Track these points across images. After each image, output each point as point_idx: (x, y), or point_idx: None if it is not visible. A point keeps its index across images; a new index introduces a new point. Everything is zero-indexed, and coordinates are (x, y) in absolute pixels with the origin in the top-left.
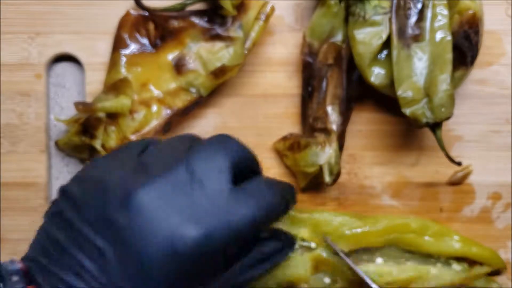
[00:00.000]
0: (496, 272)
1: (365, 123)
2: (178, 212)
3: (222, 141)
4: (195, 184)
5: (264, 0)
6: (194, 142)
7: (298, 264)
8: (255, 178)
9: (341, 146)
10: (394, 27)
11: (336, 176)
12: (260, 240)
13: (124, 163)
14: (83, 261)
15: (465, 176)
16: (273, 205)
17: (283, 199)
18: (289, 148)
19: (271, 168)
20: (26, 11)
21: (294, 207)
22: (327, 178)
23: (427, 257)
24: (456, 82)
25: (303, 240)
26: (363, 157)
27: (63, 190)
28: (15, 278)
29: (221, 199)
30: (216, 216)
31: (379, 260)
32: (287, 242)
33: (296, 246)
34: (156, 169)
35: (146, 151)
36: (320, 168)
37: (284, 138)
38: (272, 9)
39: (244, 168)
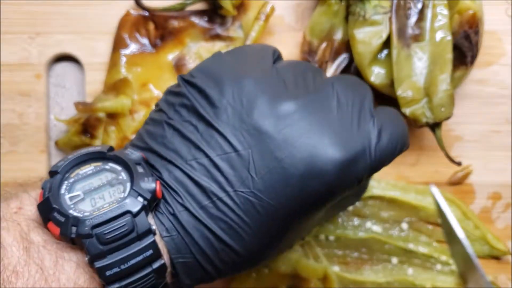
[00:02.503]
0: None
1: None
2: (327, 131)
3: (358, 80)
4: (342, 108)
5: (264, 0)
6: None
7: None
8: (385, 109)
9: None
10: (394, 27)
11: None
12: None
13: (262, 66)
14: (216, 160)
15: (465, 176)
16: (406, 135)
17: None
18: None
19: None
20: (26, 11)
21: None
22: None
23: (428, 257)
24: (456, 82)
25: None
26: None
27: (194, 84)
28: (140, 170)
29: (364, 129)
30: (359, 145)
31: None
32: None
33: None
34: (298, 86)
35: (280, 64)
36: None
37: None
38: (272, 9)
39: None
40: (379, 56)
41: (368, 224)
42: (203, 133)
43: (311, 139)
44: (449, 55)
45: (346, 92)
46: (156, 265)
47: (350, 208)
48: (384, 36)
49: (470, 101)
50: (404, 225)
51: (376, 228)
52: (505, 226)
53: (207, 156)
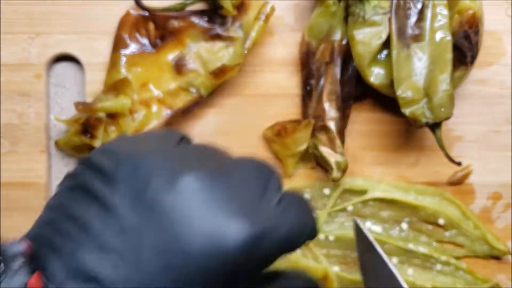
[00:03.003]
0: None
1: (365, 123)
2: (229, 208)
3: (263, 162)
4: (247, 186)
5: (264, 0)
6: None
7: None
8: (292, 193)
9: (341, 144)
10: (394, 27)
11: (344, 171)
12: (285, 276)
13: (163, 145)
14: (111, 240)
15: (465, 176)
16: (312, 220)
17: (315, 217)
18: (277, 134)
19: None
20: (26, 11)
21: None
22: (335, 174)
23: (428, 257)
24: (456, 82)
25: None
26: (363, 157)
27: (88, 161)
28: (17, 263)
29: (269, 208)
30: (266, 222)
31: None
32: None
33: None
34: (203, 160)
35: (183, 144)
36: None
37: (272, 126)
38: (272, 9)
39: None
40: (378, 56)
41: (368, 224)
42: (97, 213)
43: (212, 215)
44: (449, 55)
45: (252, 171)
46: None
47: (350, 208)
48: (383, 36)
49: (470, 101)
50: (404, 225)
51: (376, 228)
52: (505, 226)
53: (100, 238)
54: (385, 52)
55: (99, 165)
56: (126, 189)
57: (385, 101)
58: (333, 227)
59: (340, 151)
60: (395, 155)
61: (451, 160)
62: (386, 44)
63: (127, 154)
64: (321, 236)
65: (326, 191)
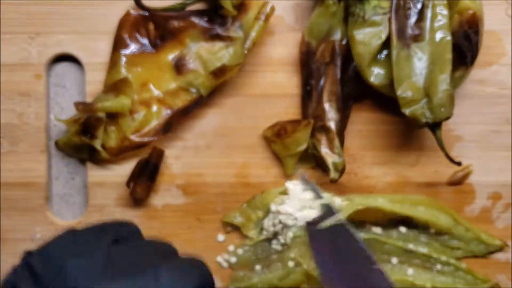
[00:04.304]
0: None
1: (364, 123)
2: None
3: (195, 265)
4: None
5: (264, 0)
6: (168, 255)
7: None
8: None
9: (340, 144)
10: (393, 27)
11: (341, 172)
12: None
13: (94, 253)
14: None
15: (465, 176)
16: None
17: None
18: (277, 134)
19: (271, 168)
20: (26, 11)
21: None
22: (333, 175)
23: (428, 257)
24: (456, 82)
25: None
26: (363, 157)
27: (27, 262)
28: None
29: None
30: None
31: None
32: None
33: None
34: (124, 272)
35: (119, 246)
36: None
37: (272, 126)
38: (272, 9)
39: None
40: (378, 56)
41: (368, 224)
42: None
43: None
44: (448, 55)
45: (169, 283)
46: None
47: None
48: (383, 36)
49: (470, 101)
50: (402, 229)
51: (376, 228)
52: (505, 226)
53: None
54: (385, 52)
55: (33, 269)
56: None
57: (385, 101)
58: None
59: (338, 151)
60: (395, 155)
61: (451, 160)
62: (386, 44)
63: (57, 263)
64: None
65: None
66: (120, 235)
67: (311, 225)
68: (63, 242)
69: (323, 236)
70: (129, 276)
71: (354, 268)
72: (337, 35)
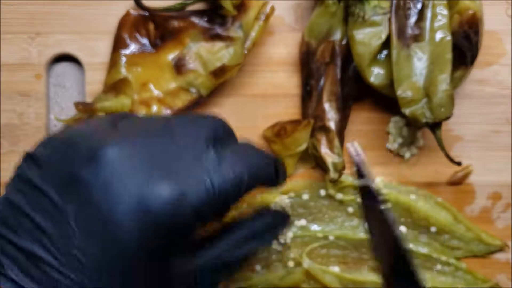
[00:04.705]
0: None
1: (364, 123)
2: (151, 170)
3: (203, 114)
4: (173, 146)
5: (264, 0)
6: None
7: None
8: (240, 143)
9: (340, 144)
10: (393, 27)
11: (341, 172)
12: (250, 217)
13: (97, 126)
14: (43, 225)
15: (465, 176)
16: (258, 166)
17: (270, 163)
18: (277, 134)
19: None
20: (26, 11)
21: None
22: (332, 175)
23: (428, 257)
24: (456, 82)
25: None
26: None
27: (27, 154)
28: None
29: (200, 160)
30: (193, 175)
31: None
32: (281, 219)
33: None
34: (131, 130)
35: (123, 120)
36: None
37: (272, 126)
38: (272, 9)
39: (225, 140)
40: (378, 57)
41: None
42: (30, 196)
43: (136, 179)
44: (448, 55)
45: (182, 127)
46: None
47: (350, 209)
48: (383, 36)
49: (470, 101)
50: (402, 228)
51: None
52: (505, 226)
53: (32, 220)
54: (385, 52)
55: (35, 155)
56: (54, 172)
57: (385, 101)
58: (333, 227)
59: (338, 151)
60: (395, 155)
61: (451, 160)
62: (386, 44)
63: (58, 140)
64: (319, 235)
65: (322, 192)
66: (124, 116)
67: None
68: (64, 130)
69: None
70: (136, 132)
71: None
72: (337, 35)
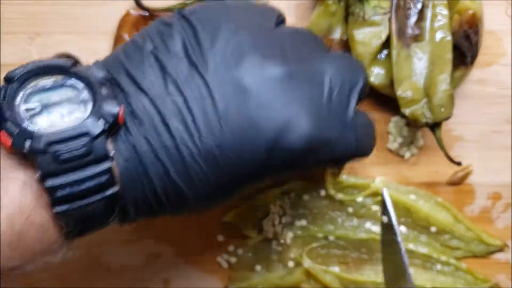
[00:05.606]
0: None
1: None
2: (306, 108)
3: (359, 63)
4: (330, 89)
5: (264, 0)
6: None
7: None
8: (366, 115)
9: None
10: (393, 27)
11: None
12: None
13: (262, 27)
14: (191, 102)
15: (465, 176)
16: (371, 148)
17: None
18: None
19: None
20: (26, 11)
21: None
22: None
23: (428, 257)
24: (456, 82)
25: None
26: None
27: (184, 17)
28: (104, 91)
29: (346, 117)
30: (336, 131)
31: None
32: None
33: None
34: (297, 54)
35: (281, 28)
36: None
37: None
38: None
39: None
40: (378, 56)
41: (368, 224)
42: (185, 72)
43: (289, 110)
44: (449, 55)
45: (340, 74)
46: (108, 192)
47: (351, 209)
48: (383, 36)
49: (470, 101)
50: (403, 228)
51: (376, 228)
52: (505, 226)
53: (182, 95)
54: (385, 52)
55: (198, 31)
56: (218, 63)
57: (385, 101)
58: (333, 227)
59: None
60: (395, 155)
61: (451, 160)
62: (386, 44)
63: (227, 27)
64: (319, 235)
65: (322, 192)
66: (278, 16)
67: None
68: (227, 11)
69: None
70: (305, 63)
71: None
72: (337, 34)
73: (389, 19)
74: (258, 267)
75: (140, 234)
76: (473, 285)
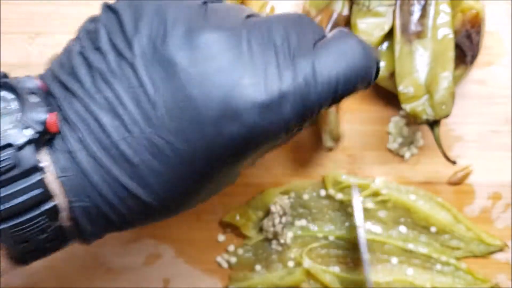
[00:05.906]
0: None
1: (364, 123)
2: (248, 69)
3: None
4: (273, 44)
5: (264, 0)
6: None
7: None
8: (341, 33)
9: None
10: (398, 21)
11: (337, 140)
12: None
13: (187, 2)
14: (122, 94)
15: (465, 176)
16: (364, 66)
17: (374, 62)
18: None
19: (271, 168)
20: (26, 11)
21: None
22: (328, 143)
23: (428, 257)
24: (455, 81)
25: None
26: (363, 157)
27: (108, 7)
28: (33, 99)
29: (299, 66)
30: (289, 84)
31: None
32: None
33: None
34: (227, 18)
35: (209, 3)
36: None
37: None
38: (272, 9)
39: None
40: (379, 48)
41: (368, 224)
42: (113, 64)
43: (229, 77)
44: (451, 53)
45: (282, 27)
46: (46, 206)
47: (351, 210)
48: (386, 28)
49: (470, 101)
50: (403, 228)
51: (376, 228)
52: (505, 226)
53: (112, 89)
54: (386, 44)
55: (119, 13)
56: (144, 45)
57: (385, 101)
58: (333, 227)
59: (335, 118)
60: (395, 155)
61: (447, 158)
62: (388, 36)
63: (149, 5)
64: (319, 235)
65: (322, 192)
66: None
67: None
68: None
69: None
70: (238, 24)
71: None
72: (338, 6)
73: (393, 12)
74: (258, 267)
75: (140, 234)
76: (473, 285)
